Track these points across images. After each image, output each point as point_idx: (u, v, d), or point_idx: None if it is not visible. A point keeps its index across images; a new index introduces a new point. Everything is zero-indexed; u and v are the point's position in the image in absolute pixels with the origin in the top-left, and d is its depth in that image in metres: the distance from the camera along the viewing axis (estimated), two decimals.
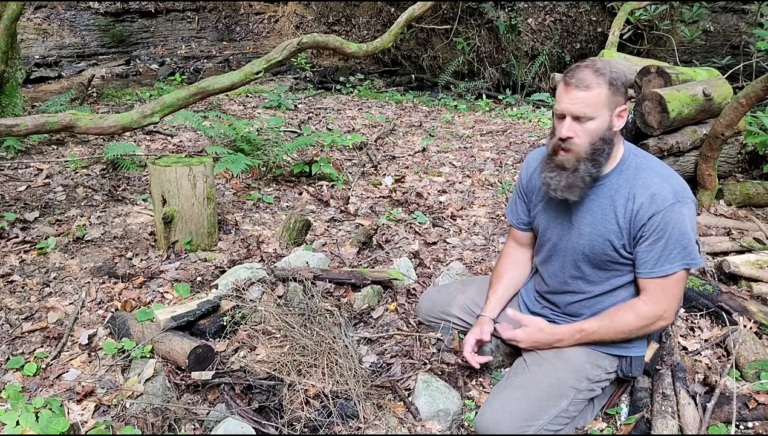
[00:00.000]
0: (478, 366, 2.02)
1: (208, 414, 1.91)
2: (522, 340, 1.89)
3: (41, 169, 3.97)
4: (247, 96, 6.77)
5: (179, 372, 2.08)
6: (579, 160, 1.72)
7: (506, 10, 8.32)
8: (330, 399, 1.92)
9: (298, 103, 6.51)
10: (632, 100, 3.56)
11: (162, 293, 2.61)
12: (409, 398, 2.01)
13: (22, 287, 2.61)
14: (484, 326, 2.02)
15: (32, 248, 2.95)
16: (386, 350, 2.28)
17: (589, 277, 1.85)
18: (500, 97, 7.84)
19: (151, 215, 3.31)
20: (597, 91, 1.66)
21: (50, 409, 1.85)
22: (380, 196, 3.94)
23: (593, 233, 1.79)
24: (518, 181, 2.08)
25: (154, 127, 4.77)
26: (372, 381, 2.07)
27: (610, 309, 1.84)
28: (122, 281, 2.69)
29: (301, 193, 3.90)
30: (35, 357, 2.16)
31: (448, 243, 3.29)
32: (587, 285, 1.86)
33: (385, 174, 4.39)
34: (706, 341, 2.33)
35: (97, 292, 2.60)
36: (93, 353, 2.21)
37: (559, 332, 1.86)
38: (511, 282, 2.12)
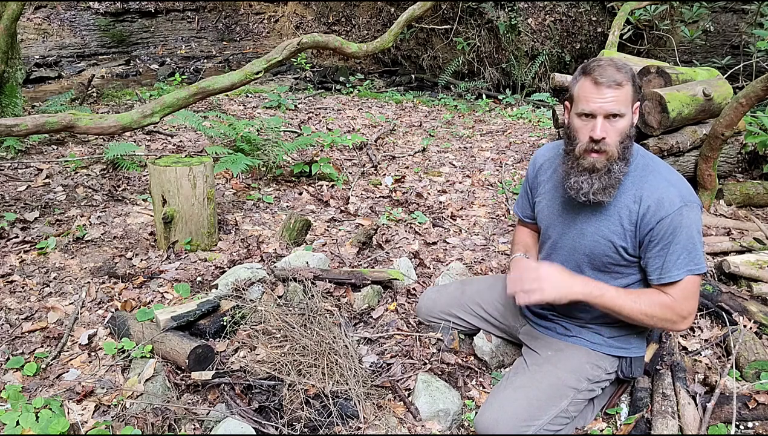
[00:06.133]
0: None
1: (208, 414, 1.91)
2: (546, 264, 1.73)
3: (41, 169, 3.97)
4: (247, 96, 6.77)
5: (179, 372, 2.08)
6: (611, 160, 1.68)
7: (506, 10, 8.32)
8: (330, 399, 1.92)
9: (298, 103, 6.51)
10: None
11: (162, 293, 2.61)
12: (409, 398, 2.01)
13: (22, 287, 2.61)
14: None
15: (32, 248, 2.95)
16: (386, 350, 2.28)
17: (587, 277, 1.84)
18: (500, 97, 7.84)
19: (151, 215, 3.31)
20: (627, 89, 1.65)
21: (50, 409, 1.84)
22: (380, 196, 3.94)
23: (596, 233, 1.78)
24: (526, 175, 2.08)
25: (154, 127, 4.77)
26: (372, 381, 2.07)
27: (637, 289, 1.78)
28: (122, 281, 2.69)
29: (301, 193, 3.90)
30: (35, 357, 2.16)
31: (448, 243, 3.29)
32: None
33: (385, 174, 4.39)
34: (706, 341, 2.33)
35: (97, 292, 2.60)
36: (93, 353, 2.21)
37: (580, 278, 1.74)
38: (533, 243, 2.09)
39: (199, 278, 2.73)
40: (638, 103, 1.73)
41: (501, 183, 4.22)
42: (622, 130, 1.68)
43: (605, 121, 1.66)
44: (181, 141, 4.81)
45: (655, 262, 1.71)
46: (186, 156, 3.27)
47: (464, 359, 2.22)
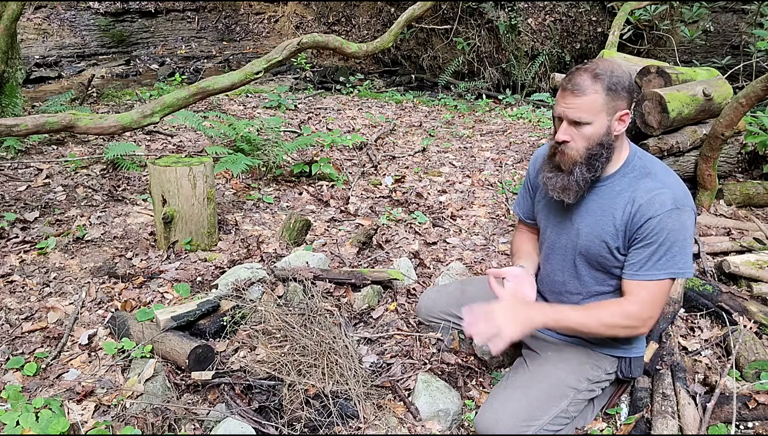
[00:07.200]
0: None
1: (208, 414, 1.91)
2: (499, 305, 1.70)
3: (41, 169, 3.97)
4: (247, 96, 6.77)
5: (179, 372, 2.08)
6: (574, 163, 1.71)
7: (506, 10, 8.32)
8: (330, 399, 1.92)
9: (298, 103, 6.51)
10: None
11: (162, 293, 2.61)
12: (409, 398, 2.01)
13: (22, 287, 2.61)
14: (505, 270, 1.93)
15: (32, 248, 2.95)
16: (386, 350, 2.28)
17: (585, 277, 1.85)
18: (500, 97, 7.84)
19: (151, 215, 3.31)
20: (593, 97, 1.64)
21: (50, 409, 1.85)
22: (380, 196, 3.94)
23: (590, 233, 1.79)
24: (526, 175, 2.09)
25: (154, 127, 4.77)
26: (372, 381, 2.07)
27: (597, 302, 1.79)
28: (122, 281, 2.69)
29: (301, 193, 3.90)
30: (35, 357, 2.16)
31: (448, 243, 3.29)
32: (583, 286, 1.86)
33: (385, 174, 4.39)
34: (706, 341, 2.33)
35: (97, 292, 2.60)
36: (93, 353, 2.21)
37: (537, 307, 1.75)
38: (533, 248, 2.09)
39: (199, 278, 2.73)
40: (624, 111, 1.69)
41: (501, 183, 4.22)
42: (590, 136, 1.67)
43: (570, 126, 1.68)
44: (181, 141, 4.81)
45: (633, 257, 1.71)
46: (186, 156, 3.27)
47: (464, 359, 2.22)
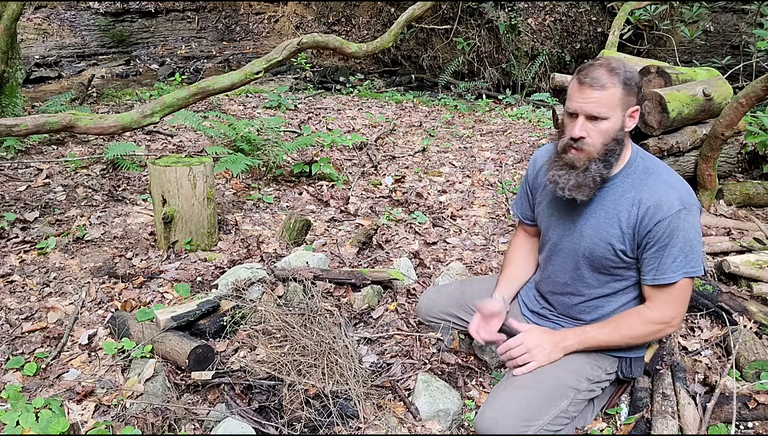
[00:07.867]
0: (483, 341, 1.93)
1: (208, 414, 1.91)
2: (528, 332, 1.82)
3: (41, 169, 3.97)
4: (247, 96, 6.77)
5: (179, 372, 2.08)
6: (590, 159, 1.70)
7: (506, 10, 8.32)
8: (330, 399, 1.92)
9: (298, 103, 6.51)
10: None
11: (162, 293, 2.61)
12: (409, 398, 2.01)
13: (22, 287, 2.61)
14: (490, 302, 1.95)
15: (32, 248, 2.95)
16: (386, 350, 2.28)
17: (587, 279, 1.84)
18: (500, 97, 7.83)
19: (151, 215, 3.31)
20: (611, 91, 1.64)
21: (50, 409, 1.85)
22: (380, 196, 3.94)
23: (594, 235, 1.78)
24: (525, 176, 2.08)
25: (154, 127, 4.77)
26: (372, 381, 2.07)
27: (615, 315, 1.82)
28: (122, 281, 2.69)
29: (301, 193, 3.90)
30: (35, 357, 2.16)
31: (448, 243, 3.29)
32: (586, 288, 1.86)
33: (385, 174, 4.39)
34: (706, 341, 2.33)
35: (97, 292, 2.60)
36: (93, 353, 2.21)
37: (563, 332, 1.83)
38: (522, 267, 2.10)
39: (199, 278, 2.73)
40: (635, 107, 1.71)
41: (501, 183, 4.22)
42: (606, 132, 1.68)
43: (587, 121, 1.68)
44: (181, 141, 4.81)
45: (651, 263, 1.72)
46: (186, 156, 3.27)
47: (464, 359, 2.22)
